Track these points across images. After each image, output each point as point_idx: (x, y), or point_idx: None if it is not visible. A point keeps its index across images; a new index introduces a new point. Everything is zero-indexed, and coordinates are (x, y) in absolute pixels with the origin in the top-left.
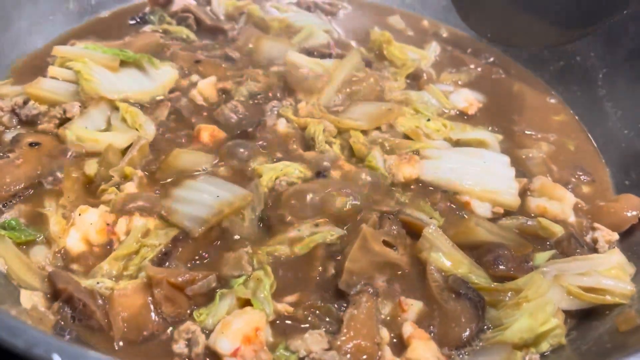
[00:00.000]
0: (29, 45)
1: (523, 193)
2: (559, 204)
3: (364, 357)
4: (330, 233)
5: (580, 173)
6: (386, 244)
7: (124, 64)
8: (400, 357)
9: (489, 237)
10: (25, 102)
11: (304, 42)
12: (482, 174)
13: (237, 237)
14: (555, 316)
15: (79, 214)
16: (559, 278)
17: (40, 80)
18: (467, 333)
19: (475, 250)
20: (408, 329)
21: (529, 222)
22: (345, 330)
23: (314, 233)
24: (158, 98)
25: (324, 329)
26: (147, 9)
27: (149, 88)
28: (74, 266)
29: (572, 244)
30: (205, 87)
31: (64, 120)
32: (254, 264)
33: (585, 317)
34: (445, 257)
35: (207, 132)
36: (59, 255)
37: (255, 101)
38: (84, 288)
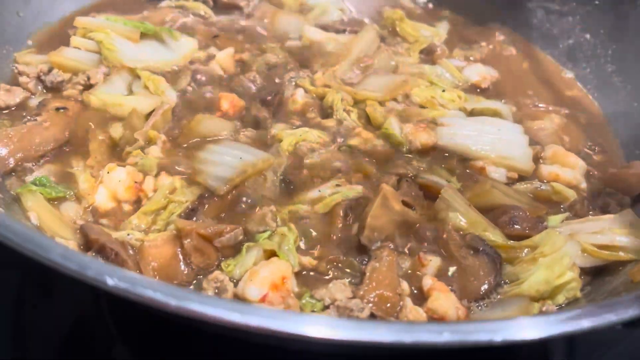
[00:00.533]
0: (49, 18)
1: (535, 160)
2: (571, 171)
3: (387, 305)
4: (351, 191)
5: (591, 143)
6: (405, 204)
7: (144, 36)
8: (421, 307)
9: (504, 200)
10: (50, 70)
11: (318, 18)
12: (497, 141)
13: (260, 197)
14: (571, 269)
15: (107, 172)
16: (573, 236)
17: (63, 49)
18: (485, 286)
19: (490, 212)
20: (428, 281)
21: (543, 187)
22: (367, 281)
23: (334, 193)
24: (178, 68)
25: (347, 280)
26: None
27: (169, 58)
28: (104, 221)
29: (585, 207)
30: (224, 59)
31: (88, 87)
32: (277, 221)
33: (598, 274)
34: (462, 217)
35: (227, 101)
36: (88, 211)
37: (273, 72)
38: (114, 239)
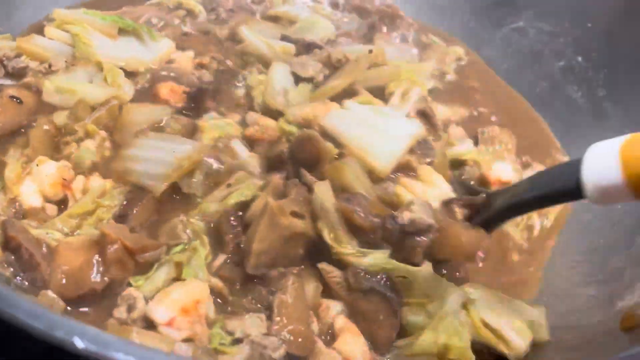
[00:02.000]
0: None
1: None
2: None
3: (301, 340)
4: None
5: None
6: (294, 214)
7: (122, 32)
8: (329, 347)
9: (354, 183)
10: (16, 56)
11: (298, 33)
12: (373, 134)
13: (188, 192)
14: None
15: (37, 165)
16: (469, 304)
17: (34, 36)
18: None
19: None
20: (340, 321)
21: (389, 189)
22: (277, 318)
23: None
24: (154, 68)
25: (263, 314)
26: None
27: (145, 58)
28: (27, 219)
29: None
30: (183, 60)
31: (49, 75)
32: (188, 233)
33: None
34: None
35: (167, 88)
36: (13, 203)
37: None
38: (32, 237)
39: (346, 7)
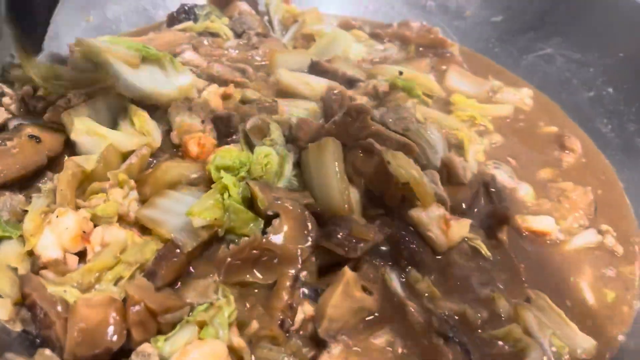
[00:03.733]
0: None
1: None
2: None
3: None
4: None
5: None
6: (363, 289)
7: (145, 60)
8: None
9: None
10: (35, 92)
11: (322, 51)
12: None
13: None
14: None
15: (57, 216)
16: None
17: (53, 66)
18: None
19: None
20: None
21: None
22: None
23: None
24: (173, 101)
25: None
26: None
27: (166, 89)
28: (44, 271)
29: None
30: (210, 95)
31: (70, 109)
32: (219, 293)
33: None
34: None
35: (195, 143)
36: (31, 255)
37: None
38: (48, 295)
39: (386, 37)
